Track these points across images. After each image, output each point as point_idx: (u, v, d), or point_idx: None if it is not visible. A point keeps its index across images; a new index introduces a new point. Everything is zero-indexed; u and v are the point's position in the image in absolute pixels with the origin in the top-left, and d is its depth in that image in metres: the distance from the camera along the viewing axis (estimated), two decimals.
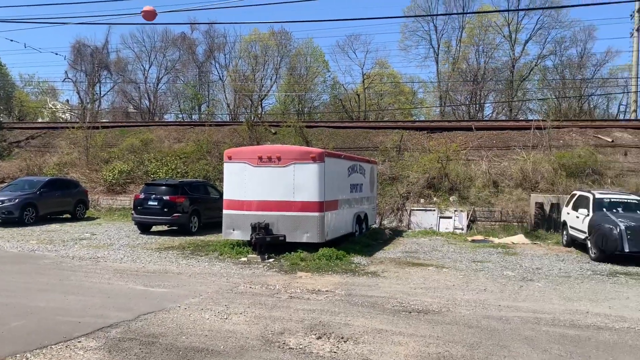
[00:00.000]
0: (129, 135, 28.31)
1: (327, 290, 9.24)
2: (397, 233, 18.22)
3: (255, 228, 12.68)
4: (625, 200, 14.61)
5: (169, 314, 7.55)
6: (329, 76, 53.16)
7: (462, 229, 18.70)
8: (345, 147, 24.58)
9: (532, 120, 26.90)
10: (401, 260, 12.92)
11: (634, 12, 33.24)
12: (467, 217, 19.00)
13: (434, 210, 19.65)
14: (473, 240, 16.81)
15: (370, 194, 17.63)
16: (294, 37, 59.98)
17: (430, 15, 38.37)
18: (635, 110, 34.45)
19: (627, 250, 12.64)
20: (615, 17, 66.97)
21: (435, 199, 20.32)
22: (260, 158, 13.18)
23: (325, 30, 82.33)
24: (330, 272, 11.06)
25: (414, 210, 19.88)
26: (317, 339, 6.48)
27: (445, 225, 19.07)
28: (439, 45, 49.53)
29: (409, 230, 19.10)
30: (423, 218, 19.65)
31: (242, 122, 28.74)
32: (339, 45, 68.93)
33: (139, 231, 17.21)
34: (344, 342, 6.36)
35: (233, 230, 13.48)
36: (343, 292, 9.17)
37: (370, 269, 11.62)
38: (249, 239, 12.94)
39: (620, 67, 44.56)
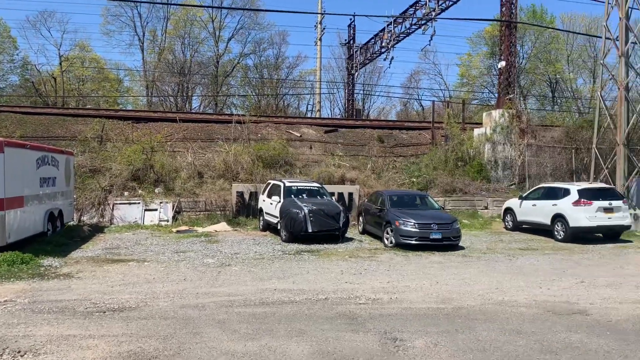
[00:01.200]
0: None
1: (5, 300, 8.07)
2: (98, 229, 17.07)
3: None
4: (309, 187, 16.84)
5: None
6: (18, 55, 46.32)
7: (168, 221, 18.67)
8: (38, 136, 21.79)
9: (234, 114, 28.53)
10: (100, 258, 12.19)
11: (317, 23, 38.45)
12: (173, 209, 19.05)
13: (139, 203, 19.08)
14: (178, 231, 16.96)
15: (66, 188, 16.07)
16: None
17: (129, 0, 36.62)
18: (319, 110, 40.05)
19: (310, 230, 14.66)
20: (304, 25, 76.27)
21: (140, 191, 19.74)
22: None
23: (11, 3, 70.83)
24: (12, 279, 9.69)
25: (117, 204, 18.92)
26: None
27: (151, 218, 18.73)
28: (144, 34, 48.21)
29: (112, 226, 18.09)
30: (127, 212, 18.87)
31: None
32: (29, 21, 60.38)
33: None
34: (21, 356, 5.67)
35: None
36: (27, 300, 8.14)
37: (63, 270, 10.61)
38: None
39: (308, 71, 51.19)
